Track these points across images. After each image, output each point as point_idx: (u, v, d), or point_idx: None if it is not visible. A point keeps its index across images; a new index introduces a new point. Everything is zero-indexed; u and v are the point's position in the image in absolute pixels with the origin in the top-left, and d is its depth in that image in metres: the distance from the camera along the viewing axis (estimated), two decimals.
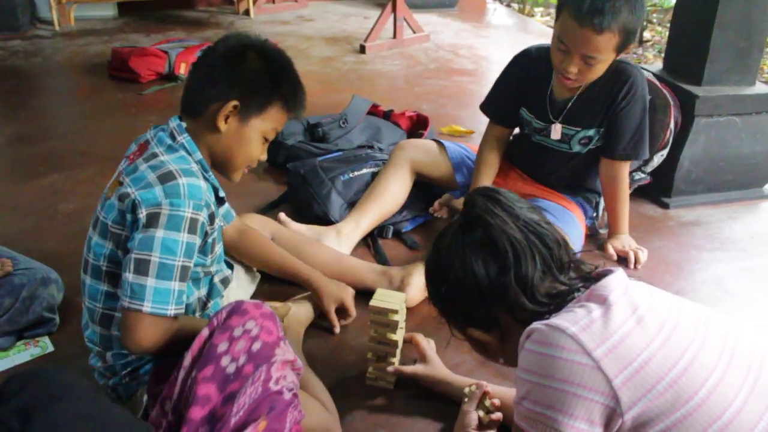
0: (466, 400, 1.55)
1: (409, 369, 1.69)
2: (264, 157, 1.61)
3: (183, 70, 4.14)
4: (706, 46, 2.58)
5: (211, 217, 1.49)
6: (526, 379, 1.10)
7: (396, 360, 1.72)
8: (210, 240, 1.53)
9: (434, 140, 2.60)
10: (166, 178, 1.39)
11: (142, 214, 1.36)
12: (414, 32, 5.17)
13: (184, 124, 1.52)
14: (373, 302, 1.65)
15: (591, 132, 2.24)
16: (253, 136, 1.53)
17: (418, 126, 3.35)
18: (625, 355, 1.04)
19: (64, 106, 3.95)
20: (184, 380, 1.23)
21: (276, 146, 2.90)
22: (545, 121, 2.29)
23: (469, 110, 3.76)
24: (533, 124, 2.33)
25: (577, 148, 2.29)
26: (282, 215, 2.31)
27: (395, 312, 1.63)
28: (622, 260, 2.33)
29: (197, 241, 1.42)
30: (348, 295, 1.98)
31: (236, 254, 1.97)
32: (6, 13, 5.13)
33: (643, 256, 2.32)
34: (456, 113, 3.70)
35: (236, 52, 1.50)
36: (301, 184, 2.56)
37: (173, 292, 1.36)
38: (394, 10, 4.91)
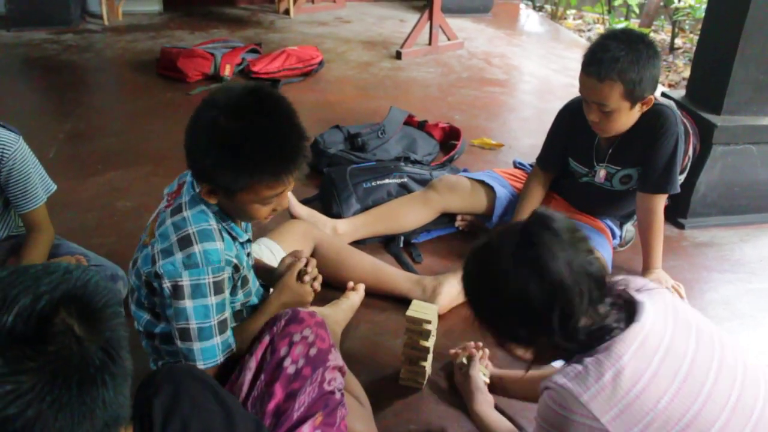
0: (470, 363, 1.70)
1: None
2: (285, 205, 1.58)
3: (228, 71, 4.35)
4: (726, 79, 2.72)
5: (236, 268, 1.55)
6: (543, 426, 1.26)
7: (427, 364, 1.92)
8: (239, 283, 1.62)
9: (470, 178, 2.68)
10: (184, 243, 1.45)
11: (166, 285, 1.45)
12: (449, 39, 5.31)
13: None
14: (409, 312, 1.84)
15: (631, 171, 2.38)
16: (245, 207, 1.50)
17: (450, 137, 3.53)
18: (632, 417, 1.17)
19: (116, 104, 4.16)
20: (252, 381, 1.44)
21: (318, 154, 3.11)
22: (590, 167, 2.44)
23: (499, 122, 3.91)
24: (580, 171, 2.47)
25: (618, 186, 2.43)
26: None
27: (428, 322, 1.82)
28: None
29: (226, 295, 1.52)
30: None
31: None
32: (60, 6, 5.35)
33: (682, 293, 2.36)
34: (487, 125, 3.83)
35: (199, 145, 1.43)
36: (328, 186, 2.79)
37: (218, 345, 1.51)
38: (430, 17, 5.07)
